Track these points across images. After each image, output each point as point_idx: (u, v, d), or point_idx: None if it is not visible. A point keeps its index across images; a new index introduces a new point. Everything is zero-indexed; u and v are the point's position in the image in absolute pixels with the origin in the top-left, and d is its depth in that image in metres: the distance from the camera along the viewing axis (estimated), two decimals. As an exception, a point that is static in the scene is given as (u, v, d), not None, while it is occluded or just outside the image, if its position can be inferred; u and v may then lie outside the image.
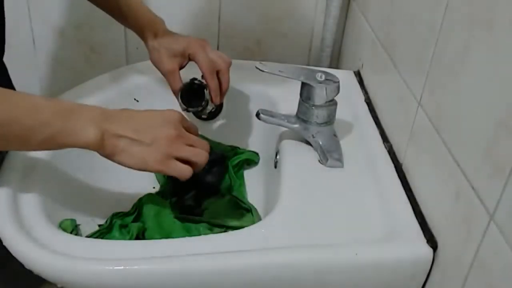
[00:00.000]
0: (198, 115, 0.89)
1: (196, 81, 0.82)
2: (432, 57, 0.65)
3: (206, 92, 0.81)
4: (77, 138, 0.58)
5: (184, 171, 0.63)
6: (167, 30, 0.84)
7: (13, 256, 0.58)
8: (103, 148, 0.60)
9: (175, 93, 0.82)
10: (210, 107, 0.84)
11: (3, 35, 0.72)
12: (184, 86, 0.82)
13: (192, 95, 0.82)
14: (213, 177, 0.85)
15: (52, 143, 0.58)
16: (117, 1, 0.83)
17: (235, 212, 0.80)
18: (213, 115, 0.91)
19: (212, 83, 0.80)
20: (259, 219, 0.77)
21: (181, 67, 0.82)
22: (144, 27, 0.83)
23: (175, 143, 0.62)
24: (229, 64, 0.82)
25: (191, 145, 0.64)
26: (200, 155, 0.64)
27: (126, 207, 0.76)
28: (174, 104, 0.80)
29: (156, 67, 0.83)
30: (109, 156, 0.61)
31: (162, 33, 0.83)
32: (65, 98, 0.84)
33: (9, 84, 0.80)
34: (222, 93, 0.82)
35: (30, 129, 0.56)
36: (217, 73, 0.80)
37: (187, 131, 0.66)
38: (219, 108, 0.91)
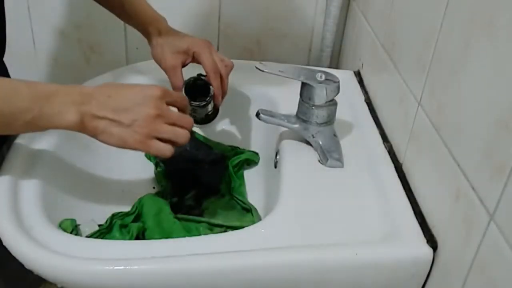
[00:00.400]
0: (195, 114, 0.88)
1: (202, 77, 0.82)
2: (432, 57, 0.65)
3: (212, 88, 0.81)
4: (58, 122, 0.59)
5: (164, 151, 0.62)
6: (171, 28, 0.84)
7: (13, 256, 0.58)
8: (84, 130, 0.61)
9: (176, 89, 0.81)
10: (210, 107, 0.84)
11: (4, 35, 0.72)
12: (189, 81, 0.82)
13: (196, 91, 0.82)
14: (213, 177, 0.85)
15: (34, 127, 0.60)
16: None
17: (235, 212, 0.80)
18: (208, 119, 0.91)
19: (216, 83, 0.79)
20: (259, 219, 0.77)
21: (183, 65, 0.82)
22: (148, 24, 0.83)
23: (154, 123, 0.61)
24: (230, 69, 0.82)
25: (173, 123, 0.63)
26: (181, 135, 0.63)
27: (126, 207, 0.76)
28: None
29: (158, 63, 0.83)
30: (92, 136, 0.62)
31: (167, 31, 0.83)
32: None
33: None
34: (222, 96, 0.82)
35: (10, 115, 0.57)
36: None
37: (173, 104, 0.65)
38: (215, 112, 0.90)
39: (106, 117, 0.60)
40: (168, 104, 0.64)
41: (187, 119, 0.65)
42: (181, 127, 0.64)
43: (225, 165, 0.87)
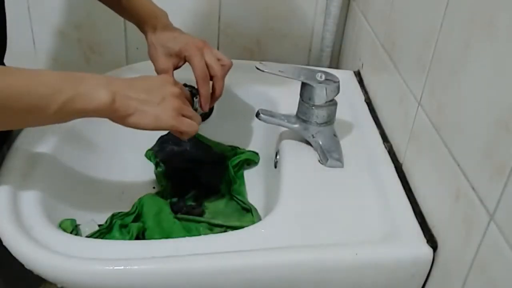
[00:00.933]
0: None
1: (187, 87, 0.79)
2: (432, 57, 0.65)
3: (196, 100, 0.79)
4: (90, 102, 0.58)
5: (193, 126, 0.66)
6: (168, 25, 0.82)
7: (13, 256, 0.58)
8: (116, 111, 0.60)
9: None
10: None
11: (5, 35, 0.72)
12: None
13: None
14: (213, 177, 0.85)
15: (67, 111, 0.58)
16: None
17: (235, 212, 0.80)
18: (202, 118, 0.90)
19: (203, 90, 0.77)
20: (259, 219, 0.77)
21: (176, 67, 0.80)
22: (144, 20, 0.81)
23: (180, 100, 0.65)
24: (228, 68, 0.79)
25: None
26: (198, 119, 0.68)
27: (126, 207, 0.76)
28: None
29: (152, 63, 0.82)
30: (123, 119, 0.61)
31: (162, 28, 0.81)
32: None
33: None
34: (213, 100, 0.79)
35: (43, 98, 0.56)
36: (212, 77, 0.78)
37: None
38: (209, 112, 0.88)
39: (137, 97, 0.61)
40: None
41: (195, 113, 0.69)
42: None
43: (225, 165, 0.87)
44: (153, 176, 0.86)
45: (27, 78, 0.56)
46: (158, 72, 0.80)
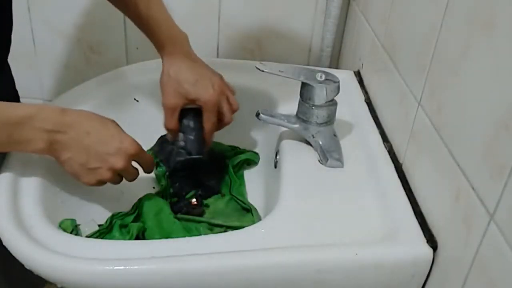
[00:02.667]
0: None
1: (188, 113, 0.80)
2: (432, 57, 0.65)
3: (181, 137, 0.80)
4: (25, 149, 0.62)
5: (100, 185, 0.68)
6: (187, 54, 0.79)
7: (13, 256, 0.58)
8: (49, 154, 0.63)
9: (167, 129, 0.80)
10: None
11: (10, 36, 0.72)
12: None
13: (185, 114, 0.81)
14: (213, 177, 0.85)
15: (5, 149, 0.63)
16: (137, 6, 0.76)
17: (235, 212, 0.80)
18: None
19: (208, 138, 0.80)
20: (259, 219, 0.77)
21: (183, 107, 0.79)
22: (162, 43, 0.78)
23: (113, 175, 0.66)
24: (233, 113, 0.81)
25: (126, 176, 0.69)
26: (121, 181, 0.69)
27: (126, 207, 0.76)
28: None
29: (161, 91, 0.78)
30: (54, 158, 0.65)
31: (181, 57, 0.77)
32: (65, 98, 0.84)
33: (12, 84, 0.80)
34: (207, 144, 0.82)
35: None
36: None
37: (139, 163, 0.70)
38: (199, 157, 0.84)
39: (73, 151, 0.63)
40: (135, 160, 0.69)
41: (136, 174, 0.70)
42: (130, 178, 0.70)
43: (225, 165, 0.87)
44: (153, 176, 0.86)
45: None
46: (164, 105, 0.78)
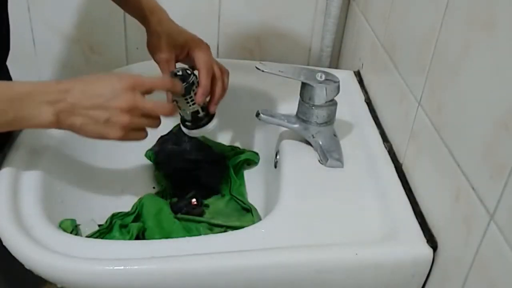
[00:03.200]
0: (180, 111, 0.77)
1: (188, 71, 0.75)
2: (432, 57, 0.65)
3: (194, 78, 0.73)
4: (33, 123, 0.61)
5: (139, 138, 0.66)
6: (172, 21, 0.82)
7: (13, 256, 0.58)
8: (61, 127, 0.62)
9: (167, 89, 0.75)
10: (194, 105, 0.75)
11: (8, 39, 0.72)
12: (173, 74, 0.75)
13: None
14: (213, 177, 0.85)
15: (12, 127, 0.61)
16: None
17: (235, 212, 0.80)
18: (198, 121, 0.78)
19: (205, 81, 0.75)
20: (259, 219, 0.77)
21: (177, 60, 0.79)
22: (149, 13, 0.80)
23: (127, 116, 0.62)
24: (227, 74, 0.79)
25: (148, 114, 0.65)
26: (154, 124, 0.67)
27: (126, 207, 0.76)
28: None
29: (151, 53, 0.80)
30: (70, 130, 0.63)
31: (168, 21, 0.81)
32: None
33: None
34: (214, 101, 0.77)
35: None
36: (212, 78, 0.76)
37: (151, 91, 0.65)
38: (207, 116, 0.78)
39: (84, 113, 0.62)
40: (145, 92, 0.64)
41: (162, 105, 0.66)
42: (157, 116, 0.66)
43: (225, 165, 0.87)
44: (153, 176, 0.86)
45: None
46: (159, 61, 0.79)
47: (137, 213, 0.74)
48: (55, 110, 0.60)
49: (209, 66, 0.76)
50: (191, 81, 0.73)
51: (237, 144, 0.92)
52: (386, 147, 0.77)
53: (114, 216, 0.73)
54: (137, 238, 0.71)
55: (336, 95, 0.73)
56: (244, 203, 0.80)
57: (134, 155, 0.88)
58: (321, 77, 0.71)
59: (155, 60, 0.80)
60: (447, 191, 0.58)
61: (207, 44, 0.80)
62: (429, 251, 0.60)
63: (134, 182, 0.84)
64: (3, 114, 0.59)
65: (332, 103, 0.73)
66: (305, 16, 1.13)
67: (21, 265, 0.57)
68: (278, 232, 0.62)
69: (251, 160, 0.89)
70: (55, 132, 0.74)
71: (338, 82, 0.72)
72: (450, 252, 0.57)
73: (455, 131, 0.58)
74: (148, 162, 0.88)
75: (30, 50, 1.17)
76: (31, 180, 0.67)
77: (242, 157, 0.88)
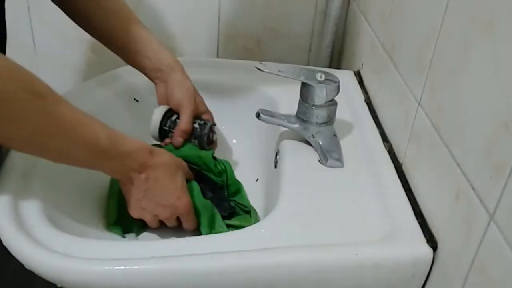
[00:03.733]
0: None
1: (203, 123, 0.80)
2: (432, 57, 0.65)
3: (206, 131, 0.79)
4: (102, 172, 0.66)
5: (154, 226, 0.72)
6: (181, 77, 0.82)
7: (13, 256, 0.58)
8: (120, 184, 0.69)
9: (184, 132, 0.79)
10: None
11: (5, 36, 0.72)
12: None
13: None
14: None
15: (83, 167, 0.64)
16: (125, 37, 0.81)
17: (236, 215, 0.80)
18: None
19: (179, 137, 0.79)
20: (259, 219, 0.77)
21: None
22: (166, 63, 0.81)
23: (155, 220, 0.71)
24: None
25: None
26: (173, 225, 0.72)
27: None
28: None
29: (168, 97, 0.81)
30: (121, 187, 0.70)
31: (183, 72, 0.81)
32: (65, 97, 0.84)
33: None
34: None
35: (69, 156, 0.62)
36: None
37: (184, 221, 0.72)
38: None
39: (134, 192, 0.68)
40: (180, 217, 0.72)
41: (174, 226, 0.73)
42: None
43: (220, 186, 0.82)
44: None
45: (75, 131, 0.60)
46: (192, 113, 0.80)
47: None
48: (129, 175, 0.66)
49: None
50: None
51: (237, 144, 0.92)
52: (386, 147, 0.77)
53: None
54: None
55: (336, 95, 0.73)
56: (245, 206, 0.79)
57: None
58: (321, 77, 0.71)
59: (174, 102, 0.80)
60: (447, 191, 0.58)
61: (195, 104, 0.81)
62: (429, 251, 0.60)
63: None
64: (85, 163, 0.63)
65: (332, 103, 0.73)
66: (305, 16, 1.13)
67: (21, 265, 0.57)
68: (278, 232, 0.62)
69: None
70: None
71: (338, 82, 0.72)
72: (450, 252, 0.57)
73: (455, 131, 0.58)
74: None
75: (30, 50, 1.17)
76: (31, 179, 0.67)
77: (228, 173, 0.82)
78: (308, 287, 0.60)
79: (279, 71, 0.72)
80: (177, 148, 0.78)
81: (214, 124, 0.83)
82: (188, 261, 0.57)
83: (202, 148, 0.80)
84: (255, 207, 0.79)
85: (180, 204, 0.70)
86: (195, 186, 0.74)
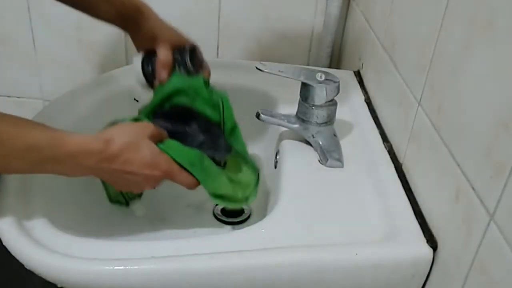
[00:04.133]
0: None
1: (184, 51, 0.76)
2: (432, 57, 0.65)
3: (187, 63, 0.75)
4: (62, 175, 0.62)
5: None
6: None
7: (13, 256, 0.58)
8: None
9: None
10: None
11: None
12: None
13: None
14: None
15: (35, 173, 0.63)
16: None
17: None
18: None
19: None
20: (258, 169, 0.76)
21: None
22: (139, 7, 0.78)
23: (154, 182, 0.68)
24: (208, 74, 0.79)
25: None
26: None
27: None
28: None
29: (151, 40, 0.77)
30: None
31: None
32: (65, 98, 0.84)
33: None
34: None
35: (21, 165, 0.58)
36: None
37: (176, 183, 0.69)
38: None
39: (110, 180, 0.67)
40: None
41: (188, 184, 0.70)
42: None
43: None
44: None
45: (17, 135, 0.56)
46: (167, 46, 0.77)
47: None
48: (92, 172, 0.63)
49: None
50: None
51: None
52: (386, 147, 0.77)
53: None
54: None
55: (336, 95, 0.73)
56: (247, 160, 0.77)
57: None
58: (321, 77, 0.72)
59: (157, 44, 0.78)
60: (447, 191, 0.58)
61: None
62: (429, 251, 0.60)
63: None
64: (39, 165, 0.59)
65: (332, 103, 0.73)
66: (305, 16, 1.13)
67: (21, 265, 0.57)
68: (278, 232, 0.62)
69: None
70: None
71: (338, 82, 0.72)
72: (450, 252, 0.57)
73: (455, 131, 0.58)
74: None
75: (30, 50, 1.17)
76: (31, 179, 0.67)
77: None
78: (308, 287, 0.60)
79: (279, 71, 0.72)
80: (164, 82, 0.75)
81: (195, 46, 0.78)
82: (188, 261, 0.57)
83: (189, 74, 0.76)
84: (255, 207, 0.79)
85: (159, 172, 0.66)
86: (173, 144, 0.69)
